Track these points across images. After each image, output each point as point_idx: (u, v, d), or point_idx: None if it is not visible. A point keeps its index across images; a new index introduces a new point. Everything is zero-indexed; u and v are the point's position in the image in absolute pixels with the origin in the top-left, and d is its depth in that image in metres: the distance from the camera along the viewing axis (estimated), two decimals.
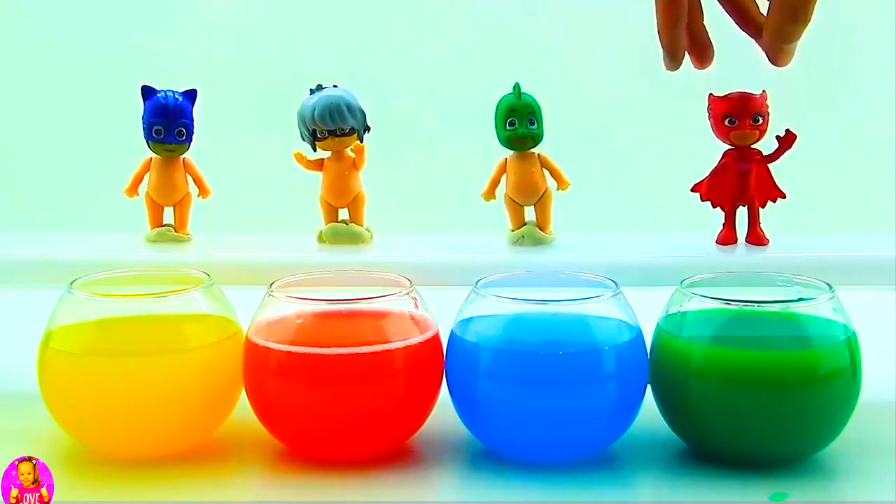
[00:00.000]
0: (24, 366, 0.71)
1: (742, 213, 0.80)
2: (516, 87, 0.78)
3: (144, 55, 1.35)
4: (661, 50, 0.71)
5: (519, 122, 0.78)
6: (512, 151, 0.80)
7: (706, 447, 0.68)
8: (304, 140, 0.81)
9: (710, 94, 0.79)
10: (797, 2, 0.66)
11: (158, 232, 0.82)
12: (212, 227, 0.85)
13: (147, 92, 0.80)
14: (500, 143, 0.79)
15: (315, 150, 0.81)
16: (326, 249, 0.81)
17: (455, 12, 1.36)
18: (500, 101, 0.79)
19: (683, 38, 0.71)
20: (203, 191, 0.83)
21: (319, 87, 0.80)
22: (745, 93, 0.78)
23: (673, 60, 0.71)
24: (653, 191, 1.31)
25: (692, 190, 0.80)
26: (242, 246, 0.82)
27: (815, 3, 0.66)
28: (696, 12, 0.71)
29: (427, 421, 0.70)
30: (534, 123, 0.78)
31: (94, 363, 0.67)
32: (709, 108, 0.79)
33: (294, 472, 0.67)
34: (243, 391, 0.69)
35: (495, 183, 0.81)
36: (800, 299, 0.68)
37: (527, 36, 1.37)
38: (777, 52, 0.69)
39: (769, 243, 0.79)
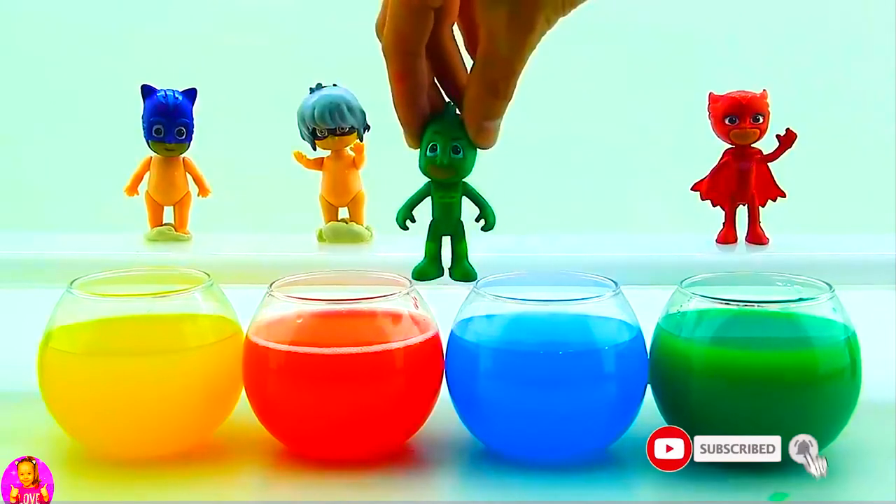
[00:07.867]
0: (24, 366, 0.71)
1: (742, 213, 0.80)
2: None
3: (144, 54, 1.35)
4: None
5: None
6: None
7: None
8: (303, 139, 0.81)
9: (711, 93, 0.79)
10: (497, 74, 0.59)
11: (158, 231, 0.82)
12: (212, 227, 0.85)
13: (147, 91, 0.80)
14: None
15: (315, 149, 0.81)
16: (326, 249, 0.81)
17: None
18: None
19: (422, 111, 0.63)
20: (203, 190, 0.83)
21: (319, 86, 0.80)
22: (746, 92, 0.78)
23: (413, 138, 0.64)
24: (653, 191, 1.31)
25: (692, 189, 0.80)
26: (242, 246, 0.81)
27: (516, 77, 0.59)
28: (431, 79, 0.63)
29: (427, 421, 0.70)
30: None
31: (94, 363, 0.67)
32: (709, 108, 0.79)
33: (294, 472, 0.67)
34: (243, 391, 0.69)
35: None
36: (800, 299, 0.68)
37: None
38: (478, 129, 0.62)
39: (769, 243, 0.79)
